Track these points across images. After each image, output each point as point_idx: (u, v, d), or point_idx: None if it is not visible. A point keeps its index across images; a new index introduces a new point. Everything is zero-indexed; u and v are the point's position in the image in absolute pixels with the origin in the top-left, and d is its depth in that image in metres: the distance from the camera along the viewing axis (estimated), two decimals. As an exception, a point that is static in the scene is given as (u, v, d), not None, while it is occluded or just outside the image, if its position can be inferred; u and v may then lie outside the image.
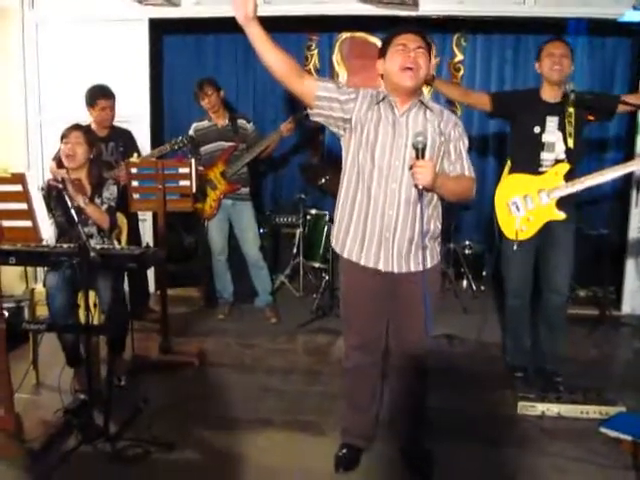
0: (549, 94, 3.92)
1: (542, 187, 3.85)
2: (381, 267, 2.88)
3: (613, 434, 3.41)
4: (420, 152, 2.68)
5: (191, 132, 5.30)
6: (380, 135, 2.80)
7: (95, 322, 3.63)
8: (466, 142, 2.93)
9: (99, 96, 4.90)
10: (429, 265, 2.90)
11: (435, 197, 2.89)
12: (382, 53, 2.86)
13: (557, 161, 3.86)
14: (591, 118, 3.95)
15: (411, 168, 2.71)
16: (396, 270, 2.88)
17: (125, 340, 4.04)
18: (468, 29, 6.23)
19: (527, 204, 3.87)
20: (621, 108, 3.99)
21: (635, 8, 5.28)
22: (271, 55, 2.69)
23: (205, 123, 5.33)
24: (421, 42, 2.79)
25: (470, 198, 3.02)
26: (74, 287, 3.66)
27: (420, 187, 2.69)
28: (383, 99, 2.83)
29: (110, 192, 4.05)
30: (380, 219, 2.83)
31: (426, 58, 2.79)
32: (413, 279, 2.88)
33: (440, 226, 2.99)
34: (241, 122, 5.37)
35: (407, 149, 2.77)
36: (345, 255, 2.96)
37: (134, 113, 5.70)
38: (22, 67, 5.92)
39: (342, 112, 2.83)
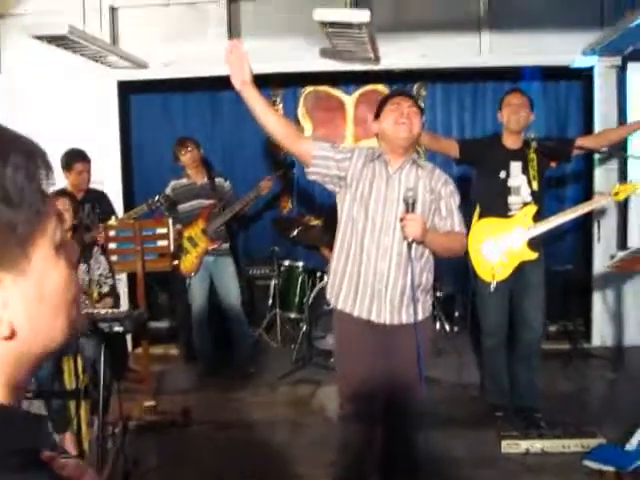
0: (510, 141, 4.12)
1: (513, 229, 4.01)
2: (374, 318, 2.96)
3: (596, 466, 3.49)
4: (410, 206, 2.82)
5: (169, 190, 5.36)
6: (374, 191, 2.94)
7: (82, 386, 3.64)
8: (457, 199, 3.07)
9: (76, 160, 4.96)
10: (421, 317, 3.00)
11: (426, 251, 3.01)
12: (377, 114, 3.05)
13: (524, 204, 4.03)
14: (552, 165, 4.17)
15: (401, 221, 2.83)
16: (388, 322, 2.97)
17: (109, 402, 4.03)
18: (428, 79, 6.44)
19: (500, 247, 4.01)
20: (578, 151, 4.22)
21: (585, 54, 5.56)
22: (269, 118, 2.84)
23: (184, 181, 5.40)
24: (413, 102, 3.00)
25: (461, 252, 3.16)
26: (59, 352, 3.67)
27: (410, 240, 2.81)
28: (378, 157, 2.98)
29: (103, 268, 4.10)
30: (373, 272, 2.93)
31: (418, 117, 2.97)
32: (405, 331, 2.96)
33: (432, 279, 3.10)
34: (219, 180, 5.47)
35: (399, 204, 2.90)
36: (339, 306, 3.04)
37: (106, 174, 5.77)
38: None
39: (337, 170, 2.97)
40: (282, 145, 2.96)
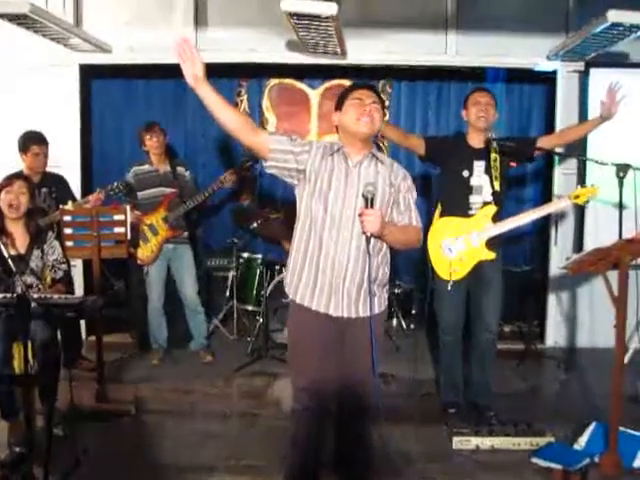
0: (475, 140, 4.15)
1: (472, 229, 4.05)
2: (331, 312, 2.96)
3: (544, 464, 3.55)
4: (369, 201, 2.81)
5: (130, 175, 5.30)
6: (333, 185, 2.92)
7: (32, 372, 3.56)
8: (414, 194, 3.08)
9: (32, 142, 4.87)
10: (377, 311, 3.00)
11: (384, 246, 3.01)
12: (338, 106, 3.03)
13: (485, 203, 4.07)
14: (513, 165, 4.21)
15: (360, 215, 2.82)
16: (346, 315, 2.96)
17: (57, 389, 3.96)
18: (393, 76, 6.46)
19: (459, 245, 4.04)
20: (539, 152, 4.27)
21: (548, 58, 5.64)
22: (223, 113, 2.80)
23: (146, 167, 5.33)
24: (375, 97, 2.98)
25: (417, 246, 3.17)
26: (10, 338, 3.59)
27: (368, 234, 2.81)
28: (337, 150, 2.97)
29: (57, 253, 4.03)
30: (331, 266, 2.92)
31: (380, 112, 2.97)
32: (361, 324, 2.95)
33: (388, 273, 3.10)
34: (180, 169, 5.43)
35: (358, 199, 2.90)
36: (297, 300, 3.02)
37: (65, 158, 5.66)
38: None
39: (296, 163, 2.95)
40: (238, 139, 2.91)
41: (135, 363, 5.45)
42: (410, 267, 6.43)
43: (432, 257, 4.12)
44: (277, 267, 5.94)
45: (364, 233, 2.83)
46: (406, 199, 3.03)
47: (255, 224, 5.73)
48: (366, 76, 6.17)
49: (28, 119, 5.39)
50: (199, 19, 5.80)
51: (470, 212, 4.08)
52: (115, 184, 5.05)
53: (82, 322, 5.66)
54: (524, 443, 3.79)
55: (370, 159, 2.99)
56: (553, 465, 3.49)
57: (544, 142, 4.32)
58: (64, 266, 4.11)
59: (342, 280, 2.93)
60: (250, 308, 6.07)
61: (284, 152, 2.94)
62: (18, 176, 4.00)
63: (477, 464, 3.65)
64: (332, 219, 2.91)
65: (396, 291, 6.43)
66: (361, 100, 2.95)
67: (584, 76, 5.66)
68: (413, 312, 6.49)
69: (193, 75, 2.70)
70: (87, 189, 5.70)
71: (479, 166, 4.08)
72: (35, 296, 3.37)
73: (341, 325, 2.98)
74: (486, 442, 3.80)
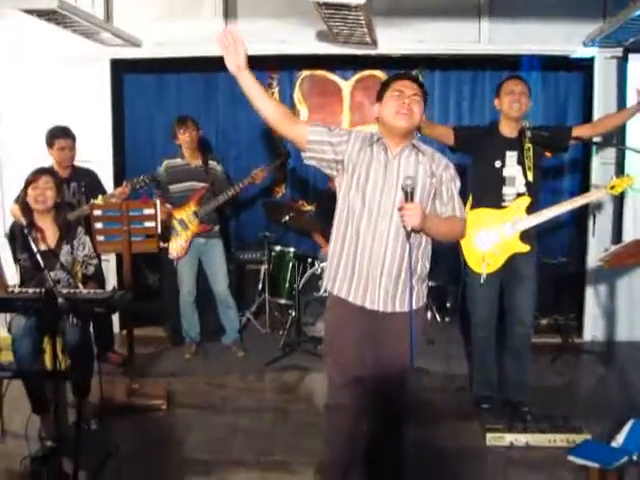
0: (507, 130, 4.05)
1: (506, 221, 3.96)
2: (367, 305, 2.91)
3: (580, 462, 3.44)
4: (409, 195, 2.76)
5: (161, 169, 5.31)
6: (371, 176, 2.88)
7: (62, 367, 3.58)
8: (458, 184, 3.02)
9: (57, 136, 4.90)
10: (415, 306, 2.93)
11: (424, 239, 2.95)
12: (379, 97, 2.97)
13: (518, 195, 3.98)
14: (548, 155, 4.10)
15: (400, 209, 2.77)
16: (382, 309, 2.91)
17: (90, 384, 3.98)
18: (426, 66, 6.36)
19: (492, 238, 3.96)
20: (575, 141, 4.16)
21: (585, 45, 5.49)
22: (264, 103, 2.81)
23: (178, 161, 5.33)
24: (417, 89, 2.90)
25: (460, 238, 3.16)
26: (40, 333, 3.61)
27: (408, 229, 2.76)
28: (377, 141, 2.93)
29: (88, 249, 4.05)
30: (368, 258, 2.88)
31: (420, 105, 2.89)
32: (398, 319, 2.90)
33: (428, 268, 3.05)
34: (212, 163, 5.41)
35: (397, 190, 2.85)
36: (335, 292, 2.99)
37: (96, 153, 5.69)
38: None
39: (334, 154, 2.92)
40: (277, 130, 2.92)
41: (167, 357, 5.47)
42: (444, 260, 6.32)
43: (464, 250, 4.04)
44: (309, 260, 5.91)
45: (404, 227, 2.78)
46: (449, 189, 2.97)
47: (287, 217, 5.71)
48: (398, 66, 6.08)
49: (60, 114, 5.41)
50: (228, 11, 5.78)
51: (503, 204, 3.98)
52: (141, 177, 5.06)
53: (114, 315, 5.69)
54: (560, 440, 3.70)
55: (410, 150, 2.94)
56: (589, 463, 3.39)
57: (580, 132, 4.21)
58: (95, 261, 4.12)
59: (379, 273, 2.88)
60: (282, 301, 6.04)
61: (322, 143, 2.92)
62: (45, 171, 4.01)
63: (511, 461, 3.59)
64: (370, 210, 2.87)
65: (431, 284, 6.33)
66: (401, 92, 2.88)
67: (622, 62, 5.50)
68: (448, 305, 6.41)
69: (236, 64, 2.71)
70: (119, 183, 5.71)
71: (511, 156, 3.99)
72: (64, 291, 3.39)
73: (377, 319, 2.94)
74: (520, 439, 3.72)
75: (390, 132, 2.92)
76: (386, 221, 2.85)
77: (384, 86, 2.98)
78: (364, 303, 2.93)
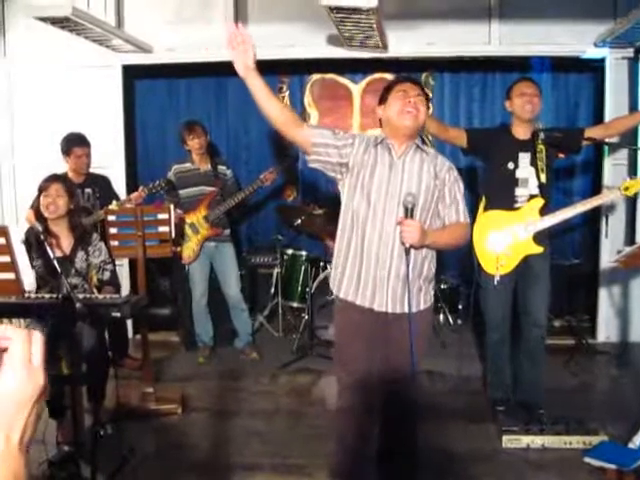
0: (520, 131, 4.05)
1: (519, 222, 3.95)
2: (375, 307, 2.92)
3: (597, 463, 3.45)
4: (409, 211, 2.76)
5: (171, 173, 5.34)
6: (376, 177, 2.89)
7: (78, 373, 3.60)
8: (461, 187, 3.02)
9: (74, 144, 4.93)
10: (422, 307, 2.96)
11: None
12: (382, 100, 2.99)
13: (531, 196, 3.97)
14: (561, 156, 4.10)
15: (400, 224, 2.78)
16: (390, 310, 2.92)
17: (105, 388, 4.00)
18: (436, 68, 6.37)
19: (505, 240, 3.95)
20: (587, 142, 4.15)
21: (596, 46, 5.48)
22: (270, 105, 2.81)
23: (187, 165, 5.35)
24: (420, 90, 2.94)
25: (464, 243, 3.12)
26: (56, 338, 3.62)
27: (407, 245, 2.76)
28: (381, 142, 2.93)
29: (104, 255, 4.06)
30: (375, 259, 2.88)
31: (424, 105, 2.92)
32: (406, 320, 2.90)
33: (434, 268, 3.05)
34: (221, 168, 5.43)
35: (402, 191, 2.85)
36: (341, 295, 3.01)
37: (108, 158, 5.72)
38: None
39: (339, 157, 2.92)
40: (282, 132, 2.91)
41: (181, 361, 5.49)
42: (456, 262, 6.34)
43: (477, 251, 4.03)
44: (321, 264, 5.91)
45: (403, 244, 2.79)
46: (452, 192, 2.98)
47: (299, 220, 5.73)
48: (408, 69, 6.10)
49: (73, 120, 5.46)
50: (239, 16, 5.79)
51: (516, 205, 3.98)
52: (157, 182, 5.09)
53: (128, 321, 5.71)
54: (576, 442, 3.69)
55: (414, 151, 2.95)
56: (607, 465, 3.40)
57: (592, 133, 4.20)
58: (110, 266, 4.14)
59: (387, 274, 2.89)
60: (295, 305, 6.06)
61: (327, 146, 2.92)
62: (56, 178, 4.00)
63: (527, 463, 3.58)
64: (375, 212, 2.87)
65: (442, 286, 6.35)
66: (405, 92, 2.91)
67: (634, 63, 5.48)
68: (460, 307, 6.40)
69: (244, 64, 2.71)
70: (132, 189, 5.74)
71: (524, 158, 3.98)
72: (80, 296, 3.40)
73: (386, 321, 2.94)
74: (537, 440, 3.71)
75: (395, 132, 2.93)
76: (391, 223, 2.85)
77: (387, 89, 3.01)
78: (372, 305, 2.93)
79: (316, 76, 6.63)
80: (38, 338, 0.94)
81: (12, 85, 5.91)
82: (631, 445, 3.58)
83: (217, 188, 5.34)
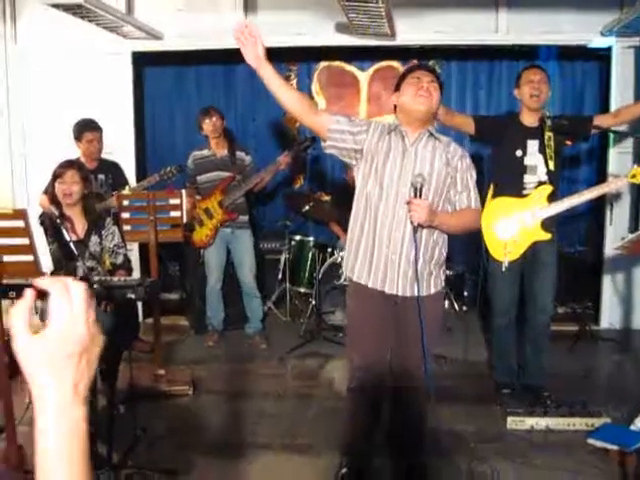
0: (528, 119, 4.09)
1: (527, 209, 3.99)
2: (386, 289, 2.98)
3: (600, 444, 3.52)
4: (418, 191, 2.81)
5: (190, 160, 5.38)
6: (389, 163, 2.94)
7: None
8: (474, 174, 3.06)
9: (85, 129, 4.98)
10: (433, 291, 3.02)
11: None
12: (397, 87, 3.05)
13: (540, 183, 4.01)
14: (569, 143, 4.13)
15: (408, 204, 2.83)
16: (400, 293, 2.98)
17: (118, 370, 4.07)
18: (443, 56, 6.40)
19: (513, 226, 4.00)
20: (595, 130, 4.19)
21: (603, 34, 5.51)
22: (285, 94, 2.86)
23: (205, 152, 5.39)
24: (433, 77, 2.99)
25: (474, 230, 3.18)
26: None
27: (415, 224, 2.82)
28: (395, 129, 2.99)
29: (117, 239, 4.12)
30: (387, 242, 2.94)
31: (438, 92, 2.97)
32: (416, 303, 2.95)
33: (445, 253, 3.11)
34: (240, 154, 5.45)
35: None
36: (354, 278, 3.06)
37: (119, 145, 5.77)
38: (6, 100, 5.98)
39: (354, 143, 2.98)
40: (300, 120, 3.00)
41: (191, 345, 5.56)
42: (462, 249, 6.38)
43: (486, 238, 4.07)
44: (329, 250, 5.96)
45: (411, 223, 2.84)
46: (464, 179, 3.02)
47: (307, 207, 5.78)
48: (415, 57, 6.14)
49: (83, 107, 5.49)
50: (248, 3, 5.83)
51: (524, 192, 4.02)
52: (168, 168, 5.12)
53: (139, 305, 5.77)
54: (579, 424, 3.76)
55: (427, 137, 3.00)
56: (609, 446, 3.46)
57: (601, 121, 4.23)
58: (123, 250, 4.20)
59: (398, 257, 2.94)
60: (302, 290, 6.12)
61: (342, 132, 2.98)
62: (71, 164, 4.05)
63: (531, 444, 3.64)
64: (387, 197, 2.93)
65: (448, 272, 6.37)
66: (419, 79, 2.96)
67: (640, 52, 5.52)
68: (465, 293, 6.45)
69: (255, 55, 2.76)
70: (141, 175, 5.81)
71: (533, 145, 4.03)
72: (96, 279, 3.47)
73: (396, 304, 3.00)
74: (541, 422, 3.78)
75: (409, 117, 2.98)
76: (404, 207, 2.90)
77: (401, 77, 3.06)
78: (384, 288, 2.99)
79: (323, 63, 6.66)
80: (78, 288, 0.93)
81: (23, 72, 5.95)
82: (633, 427, 3.65)
83: (233, 173, 5.37)
